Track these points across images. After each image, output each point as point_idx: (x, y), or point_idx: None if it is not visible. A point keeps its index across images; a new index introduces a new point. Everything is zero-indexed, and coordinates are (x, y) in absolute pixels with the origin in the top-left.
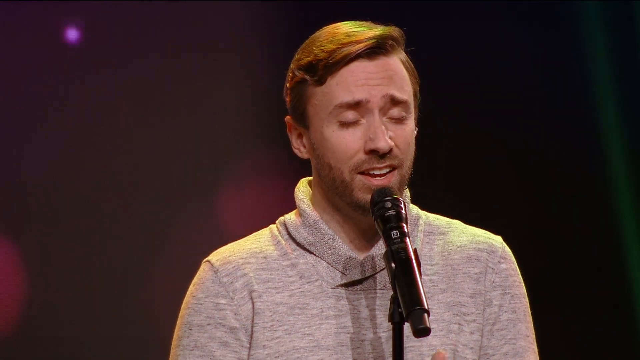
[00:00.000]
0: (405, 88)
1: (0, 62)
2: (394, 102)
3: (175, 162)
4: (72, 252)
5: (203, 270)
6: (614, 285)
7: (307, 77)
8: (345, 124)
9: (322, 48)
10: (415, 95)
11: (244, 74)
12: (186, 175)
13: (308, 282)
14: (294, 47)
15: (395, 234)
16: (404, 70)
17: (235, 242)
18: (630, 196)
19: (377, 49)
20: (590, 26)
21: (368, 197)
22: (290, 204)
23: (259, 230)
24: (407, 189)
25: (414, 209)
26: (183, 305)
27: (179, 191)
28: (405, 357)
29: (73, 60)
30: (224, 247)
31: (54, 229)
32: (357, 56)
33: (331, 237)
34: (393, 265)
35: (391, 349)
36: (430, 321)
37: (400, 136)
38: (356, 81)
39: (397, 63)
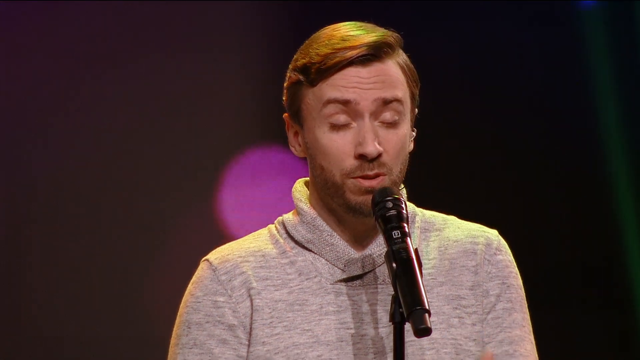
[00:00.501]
0: (398, 90)
1: (0, 62)
2: (386, 104)
3: (175, 162)
4: (72, 252)
5: (201, 269)
6: (613, 285)
7: (301, 78)
8: (336, 127)
9: (317, 51)
10: (412, 98)
11: (244, 74)
12: (186, 175)
13: (307, 279)
14: (294, 47)
15: (396, 234)
16: (400, 73)
17: (234, 241)
18: (630, 196)
19: (370, 56)
20: (590, 26)
21: (359, 198)
22: (290, 204)
23: (258, 230)
24: (404, 188)
25: (410, 206)
26: (182, 304)
27: (179, 191)
28: (405, 351)
29: (73, 60)
30: (223, 246)
31: (54, 229)
32: (350, 63)
33: (329, 234)
34: (394, 265)
35: (392, 344)
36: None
37: (391, 141)
38: (347, 84)
39: (391, 67)
